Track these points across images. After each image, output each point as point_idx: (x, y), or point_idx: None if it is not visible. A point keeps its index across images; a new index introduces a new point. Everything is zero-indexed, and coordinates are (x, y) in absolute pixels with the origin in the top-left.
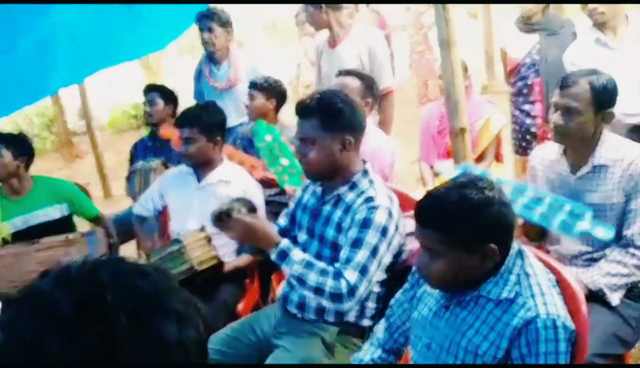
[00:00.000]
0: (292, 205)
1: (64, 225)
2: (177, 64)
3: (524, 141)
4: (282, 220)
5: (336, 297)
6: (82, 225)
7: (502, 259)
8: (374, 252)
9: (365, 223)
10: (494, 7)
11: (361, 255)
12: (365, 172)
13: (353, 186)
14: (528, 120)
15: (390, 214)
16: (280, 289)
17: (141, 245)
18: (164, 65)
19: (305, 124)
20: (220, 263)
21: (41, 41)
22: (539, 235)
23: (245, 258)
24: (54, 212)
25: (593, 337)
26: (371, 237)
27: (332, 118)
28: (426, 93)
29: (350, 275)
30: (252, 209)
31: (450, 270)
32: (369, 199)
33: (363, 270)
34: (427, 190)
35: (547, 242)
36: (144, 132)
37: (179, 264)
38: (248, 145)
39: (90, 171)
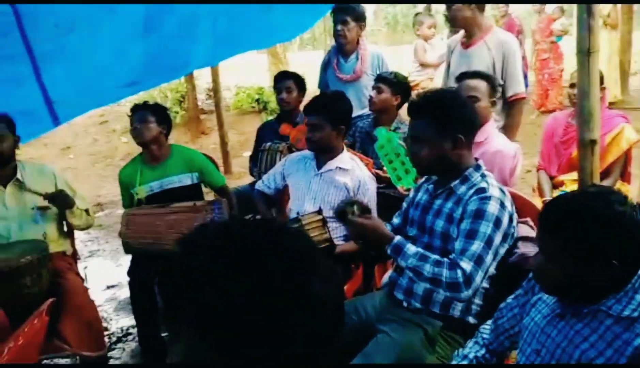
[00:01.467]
0: (405, 205)
1: (194, 192)
2: (300, 54)
3: None
4: (396, 220)
5: (454, 286)
6: (207, 195)
7: (626, 276)
8: (489, 242)
9: (478, 214)
10: (635, 16)
11: (476, 246)
12: (477, 167)
13: (465, 179)
14: None
15: (502, 205)
16: (384, 278)
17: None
18: (288, 55)
19: (417, 123)
20: (332, 246)
21: (184, 22)
22: None
23: (353, 245)
24: (186, 179)
25: None
26: (485, 228)
27: (442, 117)
28: (545, 102)
29: (466, 265)
30: (365, 210)
31: (567, 276)
32: (481, 190)
33: (478, 261)
34: (552, 197)
35: None
36: (264, 116)
37: None
38: (366, 139)
39: (213, 147)
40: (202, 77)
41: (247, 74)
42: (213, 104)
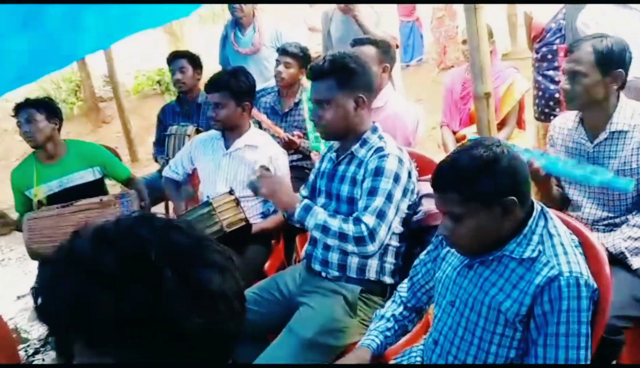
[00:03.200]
0: (312, 176)
1: (96, 187)
2: (198, 31)
3: (547, 107)
4: (304, 191)
5: (359, 240)
6: (113, 188)
7: (524, 218)
8: (389, 197)
9: (378, 172)
10: None
11: (377, 201)
12: (374, 129)
13: (364, 142)
14: (552, 86)
15: (400, 161)
16: (304, 250)
17: (173, 206)
18: (187, 32)
19: (321, 86)
20: (248, 225)
21: (69, 8)
22: (559, 202)
23: (271, 221)
24: (88, 175)
25: (614, 300)
26: (385, 184)
27: (346, 78)
28: (444, 59)
29: (369, 219)
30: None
31: (473, 231)
32: (379, 149)
33: (380, 215)
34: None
35: (569, 209)
36: (167, 97)
37: (209, 225)
38: (271, 114)
39: (116, 136)
40: (97, 64)
41: (145, 56)
42: (111, 91)
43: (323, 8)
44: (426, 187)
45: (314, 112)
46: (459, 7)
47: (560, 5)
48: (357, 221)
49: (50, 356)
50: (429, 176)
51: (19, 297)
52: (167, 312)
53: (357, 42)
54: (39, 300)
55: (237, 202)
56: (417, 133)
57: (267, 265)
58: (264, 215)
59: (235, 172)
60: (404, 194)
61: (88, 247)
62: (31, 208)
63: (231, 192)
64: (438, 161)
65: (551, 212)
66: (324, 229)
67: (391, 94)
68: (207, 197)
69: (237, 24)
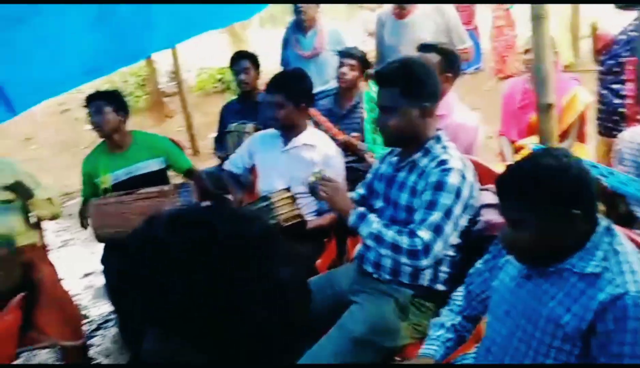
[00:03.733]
0: (369, 176)
1: (159, 177)
2: (258, 33)
3: (611, 122)
4: (360, 190)
5: (412, 253)
6: (174, 178)
7: (588, 233)
8: (448, 213)
9: (439, 186)
10: None
11: (435, 216)
12: (438, 138)
13: (427, 152)
14: (617, 100)
15: (463, 177)
16: (355, 251)
17: (233, 199)
18: (248, 33)
19: (386, 93)
20: (303, 222)
21: (140, 7)
22: (627, 219)
23: (325, 219)
24: (152, 165)
25: None
26: (445, 199)
27: (412, 86)
28: (503, 68)
29: (425, 234)
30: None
31: (535, 240)
32: (442, 162)
33: (437, 230)
34: (507, 165)
35: (636, 227)
36: (228, 96)
37: (268, 219)
38: (328, 116)
39: (178, 130)
40: (163, 60)
41: (208, 54)
42: (175, 86)
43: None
44: (486, 197)
45: (378, 118)
46: (519, 16)
47: (632, 17)
48: (412, 234)
49: (111, 332)
50: (489, 186)
51: (85, 275)
52: (235, 300)
53: (423, 48)
54: (112, 281)
55: (294, 198)
56: (477, 143)
57: (319, 261)
58: (319, 213)
59: (292, 169)
60: (464, 210)
61: (162, 232)
62: (97, 194)
63: (288, 189)
64: (497, 170)
65: (617, 229)
66: (378, 239)
67: (454, 103)
68: (267, 192)
69: (298, 27)
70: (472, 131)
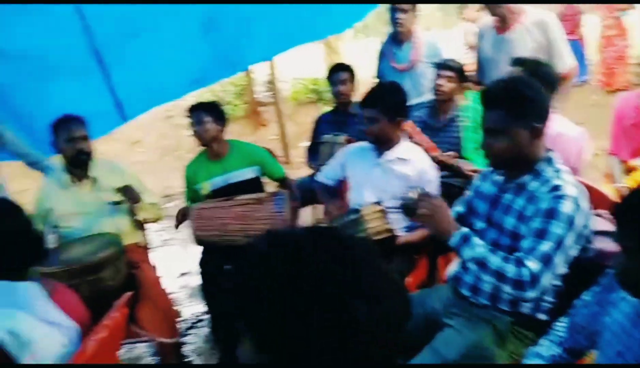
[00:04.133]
0: (469, 192)
1: (255, 185)
2: (353, 43)
3: None
4: (459, 207)
5: (518, 284)
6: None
7: None
8: (559, 244)
9: (551, 214)
10: None
11: (546, 246)
12: (549, 160)
13: (537, 174)
14: None
15: (578, 205)
16: (447, 271)
17: (325, 210)
18: (342, 44)
19: (492, 114)
20: (393, 237)
21: (241, 20)
22: None
23: (416, 235)
24: (248, 173)
25: None
26: (557, 228)
27: (520, 107)
28: (611, 81)
29: (534, 264)
30: (445, 195)
31: None
32: (556, 188)
33: (547, 261)
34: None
35: None
36: (321, 105)
37: (356, 232)
38: (423, 128)
39: (271, 139)
40: (260, 70)
41: (303, 64)
42: (271, 96)
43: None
44: (599, 224)
45: (484, 140)
46: (632, 25)
47: None
48: (520, 264)
49: (203, 332)
50: (602, 211)
51: (181, 275)
52: (310, 326)
53: (515, 62)
54: (208, 284)
55: (384, 212)
56: (582, 158)
57: (408, 279)
58: (409, 228)
59: (384, 183)
60: (576, 240)
61: (264, 246)
62: (198, 200)
63: (378, 203)
64: (609, 194)
65: None
66: (481, 264)
67: (553, 115)
68: (357, 205)
69: (394, 40)
70: (573, 142)
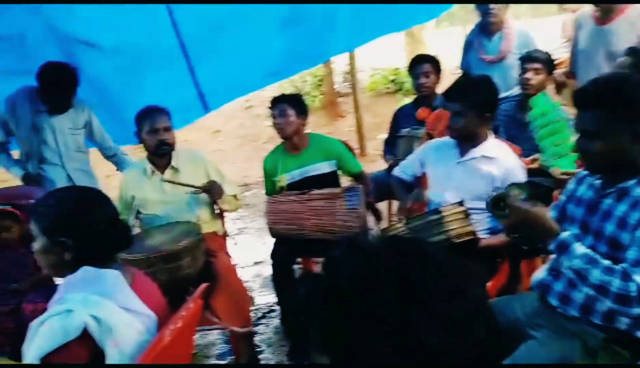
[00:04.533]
0: (563, 198)
1: (331, 179)
2: (437, 32)
3: None
4: (552, 212)
5: (624, 299)
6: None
7: None
8: None
9: None
10: None
11: None
12: None
13: None
14: None
15: None
16: (533, 277)
17: (400, 207)
18: (425, 33)
19: (588, 116)
20: (475, 239)
21: (325, 13)
22: None
23: (499, 238)
24: (325, 167)
25: None
26: None
27: (621, 109)
28: None
29: None
30: (532, 196)
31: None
32: None
33: None
34: None
35: None
36: (400, 97)
37: (435, 234)
38: (511, 123)
39: (348, 130)
40: (339, 60)
41: (382, 54)
42: (349, 87)
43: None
44: None
45: (579, 143)
46: None
47: None
48: (626, 277)
49: (273, 323)
50: None
51: (254, 263)
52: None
53: (629, 52)
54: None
55: (467, 214)
56: None
57: (489, 284)
58: (492, 231)
59: (467, 182)
60: None
61: (338, 253)
62: (275, 192)
63: (461, 203)
64: None
65: None
66: (581, 276)
67: None
68: (436, 204)
69: (484, 30)
70: None
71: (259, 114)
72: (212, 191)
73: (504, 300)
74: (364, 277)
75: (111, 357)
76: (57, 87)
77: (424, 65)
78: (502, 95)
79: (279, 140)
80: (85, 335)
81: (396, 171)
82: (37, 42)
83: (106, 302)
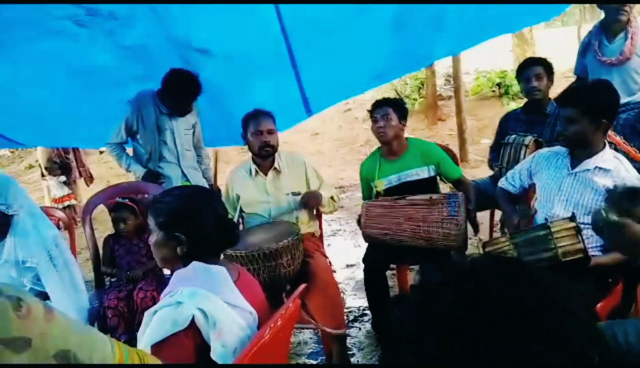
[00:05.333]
0: None
1: (429, 184)
2: (547, 32)
3: None
4: None
5: None
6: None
7: None
8: None
9: None
10: None
11: None
12: None
13: None
14: None
15: None
16: None
17: (504, 219)
18: (535, 34)
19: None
20: (586, 258)
21: (433, 16)
22: None
23: (612, 257)
24: (423, 172)
25: None
26: None
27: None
28: None
29: None
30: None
31: None
32: None
33: None
34: None
35: None
36: (505, 101)
37: (542, 251)
38: (629, 134)
39: (448, 134)
40: (441, 63)
41: (487, 55)
42: (451, 90)
43: None
44: None
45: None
46: None
47: None
48: None
49: (366, 327)
50: None
51: (347, 266)
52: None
53: None
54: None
55: (578, 229)
56: None
57: (600, 304)
58: (604, 249)
59: (579, 195)
60: None
61: (436, 280)
62: (371, 196)
63: (572, 218)
64: None
65: None
66: None
67: None
68: (545, 219)
69: (605, 29)
70: None
71: (356, 117)
72: (309, 203)
73: (617, 325)
74: (469, 301)
75: (215, 350)
76: (182, 92)
77: (535, 68)
78: (623, 101)
79: (375, 143)
80: (192, 327)
81: (501, 182)
82: (157, 50)
83: (213, 297)
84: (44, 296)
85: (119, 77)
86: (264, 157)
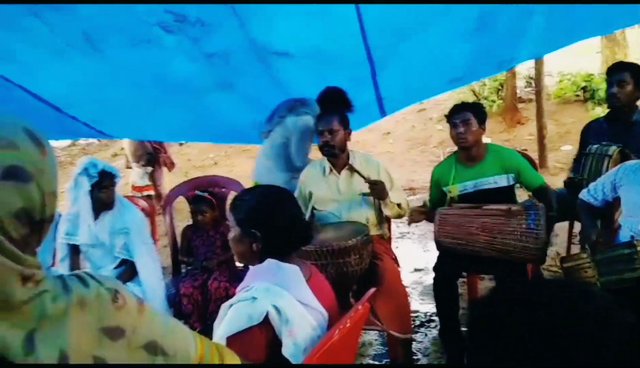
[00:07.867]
0: None
1: (507, 194)
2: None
3: None
4: None
5: None
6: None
7: None
8: None
9: None
10: None
11: None
12: None
13: None
14: None
15: None
16: None
17: (583, 233)
18: (628, 34)
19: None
20: None
21: (518, 18)
22: None
23: None
24: (502, 180)
25: None
26: None
27: None
28: None
29: None
30: None
31: None
32: None
33: None
34: None
35: None
36: (590, 106)
37: (627, 270)
38: None
39: (527, 139)
40: (522, 63)
41: (573, 57)
42: (532, 92)
43: None
44: None
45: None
46: None
47: None
48: None
49: (432, 333)
50: None
51: (415, 270)
52: None
53: None
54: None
55: None
56: None
57: None
58: None
59: None
60: None
61: (500, 309)
62: (443, 203)
63: None
64: None
65: None
66: None
67: None
68: (631, 236)
69: None
70: None
71: (430, 117)
72: (376, 189)
73: None
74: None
75: (286, 346)
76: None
77: (622, 73)
78: None
79: (448, 145)
80: (266, 322)
81: (583, 194)
82: (238, 56)
83: (286, 294)
84: (130, 264)
85: (200, 85)
86: (326, 156)
